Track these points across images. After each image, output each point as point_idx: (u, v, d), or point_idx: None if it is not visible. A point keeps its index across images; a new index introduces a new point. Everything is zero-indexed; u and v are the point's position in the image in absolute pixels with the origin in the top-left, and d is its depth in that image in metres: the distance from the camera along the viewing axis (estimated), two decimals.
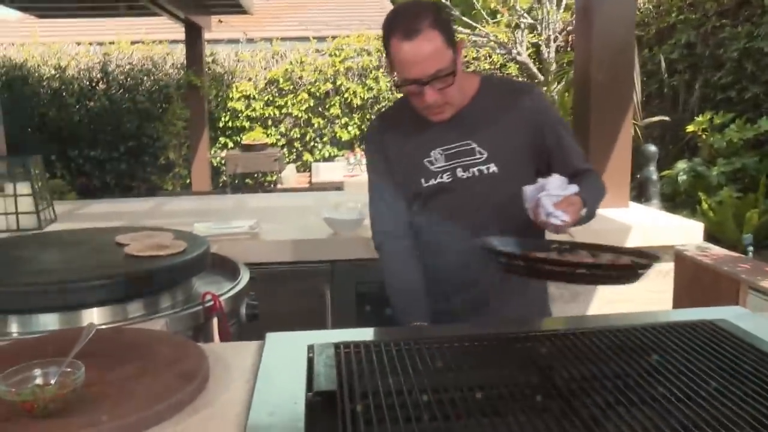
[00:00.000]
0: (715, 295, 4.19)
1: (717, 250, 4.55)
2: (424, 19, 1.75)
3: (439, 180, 1.93)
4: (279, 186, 8.69)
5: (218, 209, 3.91)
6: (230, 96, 11.01)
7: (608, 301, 3.08)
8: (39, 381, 1.23)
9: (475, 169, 1.89)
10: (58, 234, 2.54)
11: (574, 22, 8.99)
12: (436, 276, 2.01)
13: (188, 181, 10.04)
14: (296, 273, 2.86)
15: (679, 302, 3.48)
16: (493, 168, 1.89)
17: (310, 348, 1.50)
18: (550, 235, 1.83)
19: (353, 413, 1.19)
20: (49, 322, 1.80)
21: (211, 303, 1.94)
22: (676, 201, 7.13)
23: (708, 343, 1.50)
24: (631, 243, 3.03)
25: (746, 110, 7.32)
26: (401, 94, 1.99)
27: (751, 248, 5.01)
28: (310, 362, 1.43)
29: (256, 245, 2.88)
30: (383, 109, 2.27)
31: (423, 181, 1.94)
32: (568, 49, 9.56)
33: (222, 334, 1.97)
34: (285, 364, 1.45)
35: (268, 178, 11.05)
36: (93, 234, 2.46)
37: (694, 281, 4.33)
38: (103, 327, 1.65)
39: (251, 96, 11.06)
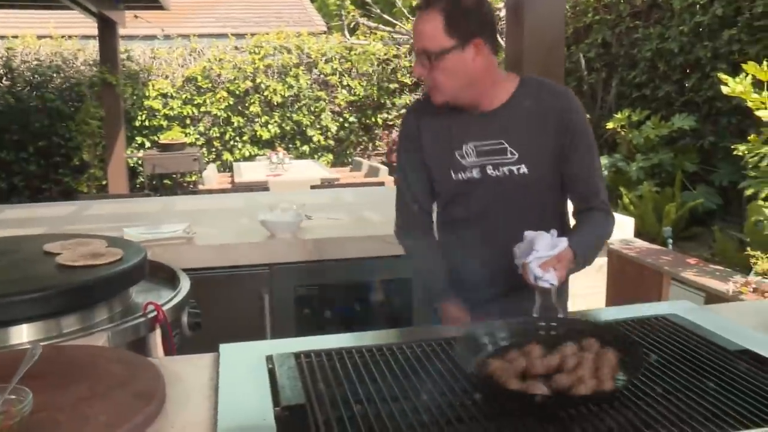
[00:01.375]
0: (641, 288, 4.33)
1: (640, 244, 4.72)
2: (439, 3, 1.80)
3: (468, 175, 1.92)
4: (200, 186, 8.46)
5: (144, 213, 3.78)
6: (147, 94, 10.67)
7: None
8: None
9: (505, 169, 1.90)
10: None
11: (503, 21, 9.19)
12: (458, 274, 2.02)
13: (104, 182, 9.69)
14: (233, 278, 2.79)
15: (610, 296, 3.55)
16: (523, 169, 1.89)
17: (269, 359, 1.45)
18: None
19: (326, 425, 1.16)
20: None
21: (155, 314, 1.85)
22: None
23: (670, 338, 1.55)
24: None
25: (660, 108, 7.61)
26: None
27: (670, 240, 5.22)
28: (272, 374, 1.39)
29: (190, 250, 2.79)
30: (422, 94, 2.28)
31: (453, 173, 1.94)
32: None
33: (166, 347, 1.89)
34: (245, 378, 1.38)
35: (188, 179, 10.78)
36: (17, 242, 2.33)
37: (621, 274, 4.46)
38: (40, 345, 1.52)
39: (168, 94, 10.76)
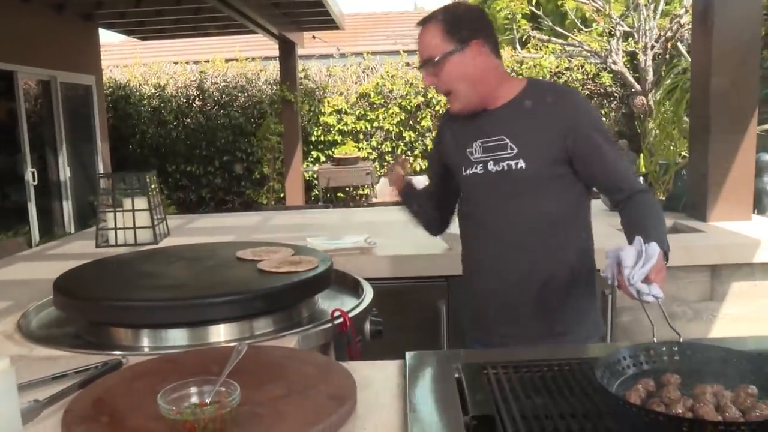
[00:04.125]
0: None
1: None
2: (434, 15, 1.97)
3: (474, 170, 2.02)
4: (373, 199, 8.75)
5: (322, 223, 3.92)
6: (322, 110, 11.18)
7: (733, 320, 2.93)
8: (195, 399, 1.23)
9: (504, 164, 1.96)
10: (180, 249, 2.57)
11: (672, 28, 8.83)
12: (471, 273, 2.14)
13: (282, 195, 10.23)
14: (411, 288, 2.83)
15: None
16: (521, 164, 1.94)
17: (456, 368, 1.47)
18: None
19: None
20: (178, 337, 1.82)
21: (341, 320, 1.92)
22: None
23: None
24: (759, 258, 2.88)
25: None
26: None
27: None
28: (459, 383, 1.40)
29: (370, 260, 2.86)
30: None
31: (463, 169, 2.05)
32: (666, 56, 9.32)
33: (352, 352, 1.94)
34: (433, 386, 1.41)
35: (360, 192, 11.16)
36: (212, 249, 2.49)
37: None
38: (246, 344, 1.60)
39: (343, 110, 11.21)
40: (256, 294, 1.85)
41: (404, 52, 11.65)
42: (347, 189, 11.12)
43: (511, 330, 2.02)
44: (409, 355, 1.59)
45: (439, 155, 2.20)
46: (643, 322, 2.82)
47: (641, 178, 1.87)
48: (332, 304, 2.13)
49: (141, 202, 3.33)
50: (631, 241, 1.64)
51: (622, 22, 9.18)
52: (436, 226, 2.37)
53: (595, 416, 1.23)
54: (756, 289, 2.93)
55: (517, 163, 1.94)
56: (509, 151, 1.95)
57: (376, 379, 1.47)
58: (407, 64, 11.41)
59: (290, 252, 2.29)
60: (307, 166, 11.04)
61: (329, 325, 1.91)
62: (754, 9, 3.33)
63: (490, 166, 1.98)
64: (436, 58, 1.92)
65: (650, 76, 9.16)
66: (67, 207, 8.54)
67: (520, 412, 1.25)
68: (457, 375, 1.44)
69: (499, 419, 1.23)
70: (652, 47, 9.06)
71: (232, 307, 1.82)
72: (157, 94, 11.13)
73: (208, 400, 1.22)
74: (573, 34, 10.11)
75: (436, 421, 1.25)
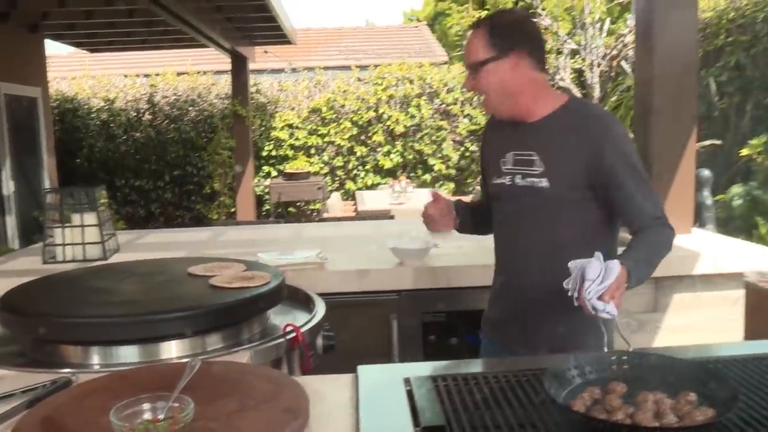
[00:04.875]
0: None
1: None
2: (484, 20, 2.04)
3: (502, 180, 2.10)
4: (325, 214, 8.77)
5: (275, 239, 3.92)
6: (274, 125, 11.18)
7: (675, 330, 3.02)
8: (148, 416, 1.23)
9: (529, 179, 2.02)
10: (131, 265, 2.55)
11: (617, 47, 9.07)
12: (494, 273, 2.25)
13: (233, 209, 10.17)
14: (363, 303, 2.86)
15: (747, 330, 3.38)
16: (544, 183, 1.99)
17: (407, 381, 1.50)
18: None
19: None
20: (129, 354, 1.80)
21: (293, 335, 1.93)
22: (731, 226, 7.05)
23: None
24: (699, 270, 2.99)
25: None
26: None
27: None
28: (410, 395, 1.43)
29: (322, 275, 2.87)
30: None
31: (495, 177, 2.13)
32: (611, 74, 9.55)
33: (304, 366, 1.97)
34: (384, 398, 1.44)
35: (312, 206, 11.15)
36: (164, 265, 2.47)
37: (758, 309, 4.25)
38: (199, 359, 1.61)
39: (294, 125, 11.21)
40: (208, 310, 1.86)
41: (356, 67, 11.74)
42: (298, 204, 11.10)
43: (517, 334, 2.12)
44: (360, 368, 1.61)
45: (482, 156, 2.28)
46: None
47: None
48: (284, 319, 2.13)
49: (90, 218, 3.27)
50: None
51: (569, 40, 9.40)
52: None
53: (542, 427, 1.26)
54: (696, 300, 3.04)
55: (540, 182, 1.99)
56: (535, 168, 2.00)
57: (328, 393, 1.49)
58: (359, 80, 11.47)
59: (242, 267, 2.29)
60: (258, 180, 11.00)
61: (281, 340, 1.92)
62: (691, 32, 3.46)
63: (518, 180, 2.05)
64: (476, 63, 1.98)
65: (597, 93, 9.38)
66: (11, 222, 8.33)
67: (470, 423, 1.28)
68: (408, 387, 1.47)
69: (449, 430, 1.26)
70: (599, 65, 9.29)
71: (185, 323, 1.81)
72: (106, 107, 10.98)
73: (161, 416, 1.22)
74: None
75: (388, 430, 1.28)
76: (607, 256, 1.93)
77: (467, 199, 10.02)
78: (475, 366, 1.67)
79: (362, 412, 1.37)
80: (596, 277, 1.61)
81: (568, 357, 1.41)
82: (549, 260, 1.97)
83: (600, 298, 1.60)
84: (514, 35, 1.98)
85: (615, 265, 1.64)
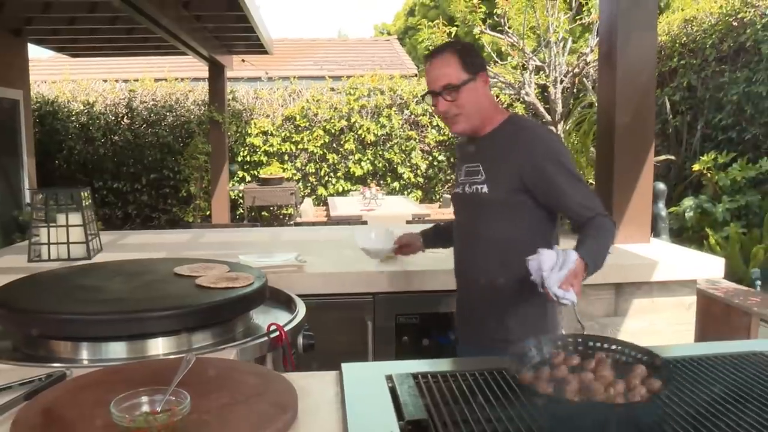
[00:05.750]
0: (727, 327, 4.25)
1: (726, 284, 4.65)
2: (448, 47, 2.23)
3: (456, 191, 2.36)
4: (297, 219, 8.93)
5: (252, 242, 3.98)
6: (249, 132, 11.34)
7: (634, 333, 3.15)
8: (146, 408, 1.27)
9: (474, 188, 2.24)
10: (117, 264, 2.58)
11: (579, 65, 9.35)
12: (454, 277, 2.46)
13: (208, 213, 10.29)
14: (341, 304, 2.94)
15: (698, 334, 3.51)
16: (484, 189, 2.21)
17: (389, 378, 1.55)
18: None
19: None
20: (118, 350, 1.84)
21: (277, 333, 1.97)
22: (683, 236, 7.34)
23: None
24: (657, 277, 3.14)
25: (746, 150, 7.59)
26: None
27: (758, 282, 5.09)
28: (393, 392, 1.48)
29: (302, 277, 2.94)
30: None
31: (454, 188, 2.39)
32: (574, 90, 9.83)
33: (287, 364, 2.01)
34: (368, 394, 1.48)
35: (284, 211, 11.33)
36: (150, 265, 2.53)
37: (707, 314, 4.36)
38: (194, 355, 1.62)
39: (269, 132, 11.36)
40: (196, 309, 1.92)
41: (329, 77, 11.95)
42: (272, 208, 11.26)
43: (469, 332, 2.35)
44: (345, 366, 1.66)
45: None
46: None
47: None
48: (266, 318, 2.18)
49: (75, 218, 3.32)
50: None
51: (534, 57, 9.65)
52: None
53: (517, 419, 1.33)
54: (653, 305, 3.20)
55: (482, 188, 2.21)
56: (479, 177, 2.23)
57: (314, 389, 1.52)
58: (332, 89, 11.68)
59: (226, 269, 2.35)
60: (233, 185, 11.13)
61: (266, 338, 1.97)
62: (650, 53, 3.60)
63: (467, 189, 2.27)
64: (456, 86, 2.16)
65: (559, 108, 9.64)
66: None
67: (451, 416, 1.35)
68: (390, 384, 1.53)
69: (431, 423, 1.32)
70: (561, 81, 9.55)
71: (173, 321, 1.87)
72: (85, 110, 11.06)
73: (159, 409, 1.26)
74: (489, 65, 10.56)
75: (373, 426, 1.32)
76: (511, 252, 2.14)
77: (434, 206, 10.24)
78: (453, 364, 1.73)
79: (348, 407, 1.40)
80: (553, 267, 1.71)
81: (530, 339, 1.50)
82: (495, 259, 2.22)
83: (560, 286, 1.71)
84: (478, 57, 2.22)
85: (571, 255, 1.76)
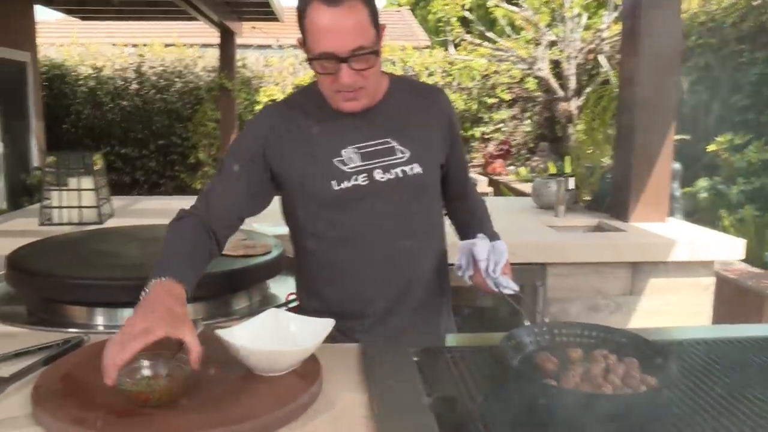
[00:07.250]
0: (740, 309, 4.22)
1: (740, 266, 4.65)
2: None
3: (353, 182, 1.66)
4: None
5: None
6: (258, 99, 11.26)
7: (649, 313, 3.15)
8: (147, 372, 1.26)
9: (397, 170, 1.68)
10: (132, 229, 2.56)
11: (594, 41, 9.24)
12: (330, 283, 1.79)
13: None
14: None
15: (714, 316, 3.48)
16: (417, 168, 1.69)
17: (415, 352, 1.49)
18: None
19: (481, 415, 1.20)
20: None
21: (296, 303, 1.89)
22: (696, 217, 7.30)
23: None
24: (675, 257, 3.12)
25: (764, 132, 7.51)
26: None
27: None
28: (419, 366, 1.43)
29: None
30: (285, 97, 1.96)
31: (335, 183, 1.66)
32: (587, 67, 9.73)
33: None
34: (392, 366, 1.43)
35: None
36: (164, 230, 2.51)
37: (719, 296, 4.38)
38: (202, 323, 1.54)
39: (278, 100, 11.24)
40: (216, 276, 1.86)
41: None
42: None
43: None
44: (362, 339, 1.59)
45: (262, 166, 1.69)
46: (569, 312, 3.12)
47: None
48: (280, 287, 2.16)
49: (87, 182, 3.32)
50: (467, 236, 1.75)
51: (548, 32, 9.55)
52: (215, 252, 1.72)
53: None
54: (669, 285, 3.17)
55: (412, 168, 1.69)
56: (399, 155, 1.69)
57: (335, 362, 1.47)
58: None
59: (242, 236, 2.31)
60: None
61: (284, 307, 1.94)
62: (676, 28, 3.53)
63: (378, 175, 1.67)
64: (369, 48, 1.53)
65: (572, 84, 9.56)
66: (0, 183, 8.37)
67: (481, 391, 1.30)
68: (415, 358, 1.47)
69: (458, 395, 1.30)
70: (576, 57, 9.46)
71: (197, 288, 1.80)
72: (93, 75, 11.00)
73: (162, 373, 1.26)
74: (503, 39, 10.45)
75: (399, 398, 1.28)
76: (443, 232, 1.87)
77: None
78: (480, 339, 1.63)
79: (374, 380, 1.36)
80: (488, 256, 1.61)
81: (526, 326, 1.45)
82: (420, 249, 1.78)
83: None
84: (375, 4, 1.61)
85: (502, 245, 1.65)
